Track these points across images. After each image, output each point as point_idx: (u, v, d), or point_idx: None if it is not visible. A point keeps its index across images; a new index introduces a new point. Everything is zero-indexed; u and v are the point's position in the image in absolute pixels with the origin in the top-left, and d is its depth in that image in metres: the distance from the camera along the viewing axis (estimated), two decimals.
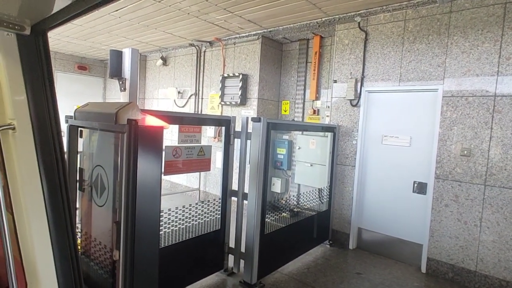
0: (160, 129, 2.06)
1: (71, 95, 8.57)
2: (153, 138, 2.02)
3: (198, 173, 6.71)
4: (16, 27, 1.12)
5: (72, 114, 2.59)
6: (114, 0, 0.99)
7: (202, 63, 6.85)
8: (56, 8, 1.08)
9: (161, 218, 2.59)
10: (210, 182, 6.72)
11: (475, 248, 3.61)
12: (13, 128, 1.16)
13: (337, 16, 4.64)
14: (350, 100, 4.62)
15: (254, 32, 5.63)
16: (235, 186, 3.62)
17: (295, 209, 4.23)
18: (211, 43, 6.54)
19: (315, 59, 5.51)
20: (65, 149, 2.65)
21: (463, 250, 3.69)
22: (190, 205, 3.16)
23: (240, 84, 5.86)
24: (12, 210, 1.23)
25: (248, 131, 3.48)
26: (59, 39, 6.95)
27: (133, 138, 1.92)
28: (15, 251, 1.19)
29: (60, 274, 1.28)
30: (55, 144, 1.26)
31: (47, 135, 1.24)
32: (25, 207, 1.21)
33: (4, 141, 1.19)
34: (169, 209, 2.95)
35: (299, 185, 5.44)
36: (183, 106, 7.28)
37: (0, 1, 1.05)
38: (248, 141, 3.48)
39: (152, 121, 2.01)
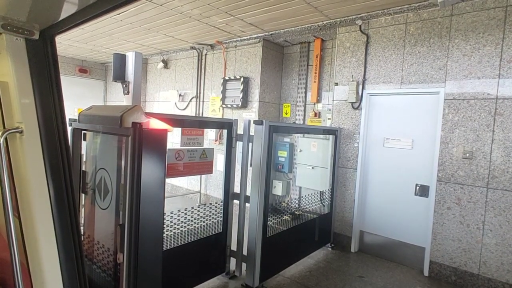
0: (164, 132, 2.06)
1: (72, 98, 8.59)
2: (157, 141, 2.02)
3: (199, 175, 6.70)
4: (25, 32, 1.13)
5: (75, 117, 2.60)
6: (120, 7, 1.00)
7: (203, 66, 6.87)
8: (64, 14, 1.09)
9: (163, 221, 2.58)
10: (211, 185, 6.71)
11: (478, 251, 3.61)
12: (21, 132, 1.17)
13: (338, 19, 4.65)
14: (352, 103, 4.63)
15: (255, 35, 5.65)
16: (237, 189, 3.62)
17: (296, 212, 4.22)
18: (212, 46, 6.56)
19: (316, 62, 5.52)
20: None
21: (465, 253, 3.68)
22: (192, 207, 3.15)
23: (241, 87, 5.87)
24: (18, 213, 1.23)
25: (250, 133, 3.49)
26: (60, 42, 6.96)
27: (138, 141, 1.92)
28: (21, 254, 1.19)
29: (65, 277, 1.27)
30: (61, 148, 1.26)
31: (54, 139, 1.24)
32: (31, 211, 1.21)
33: (11, 145, 1.20)
34: (171, 212, 2.95)
35: (300, 187, 5.43)
36: (184, 109, 7.29)
37: (10, 7, 1.06)
38: (250, 144, 3.48)
39: (156, 124, 2.01)
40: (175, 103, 7.44)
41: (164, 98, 7.85)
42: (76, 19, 1.09)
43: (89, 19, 1.07)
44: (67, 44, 7.15)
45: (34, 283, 1.24)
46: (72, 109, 7.99)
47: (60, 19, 1.11)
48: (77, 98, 8.69)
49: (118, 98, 9.13)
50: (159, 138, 2.04)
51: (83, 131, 2.59)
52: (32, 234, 1.22)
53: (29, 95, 1.19)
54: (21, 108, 1.18)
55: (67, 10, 1.07)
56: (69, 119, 2.64)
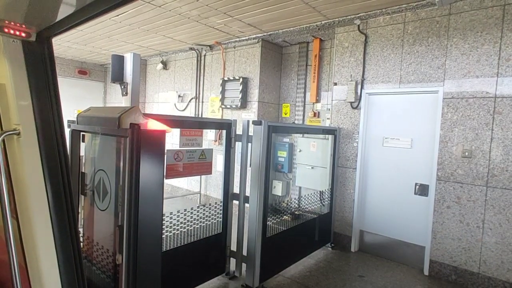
0: (163, 133, 2.06)
1: (72, 100, 8.59)
2: (156, 142, 2.03)
3: (199, 176, 6.70)
4: (22, 34, 1.14)
5: (74, 119, 2.60)
6: (116, 7, 1.00)
7: (202, 67, 6.87)
8: (60, 16, 1.10)
9: (162, 222, 2.58)
10: (211, 186, 6.71)
11: (477, 250, 3.61)
12: (18, 134, 1.17)
13: (336, 19, 4.66)
14: (351, 103, 4.63)
15: (254, 36, 5.65)
16: (236, 189, 3.62)
17: (296, 212, 4.22)
18: (211, 47, 6.56)
19: (315, 62, 5.52)
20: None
21: (465, 252, 3.68)
22: (191, 208, 3.15)
23: (241, 88, 5.88)
24: (16, 215, 1.23)
25: (249, 134, 3.49)
26: (60, 44, 6.97)
27: (136, 142, 1.92)
28: (19, 256, 1.19)
29: (64, 279, 1.28)
30: (59, 149, 1.27)
31: (52, 140, 1.25)
32: (29, 212, 1.21)
33: (9, 146, 1.20)
34: (171, 213, 2.95)
35: (300, 187, 5.43)
36: (183, 110, 7.30)
37: (6, 9, 1.06)
38: (249, 144, 3.48)
39: (154, 125, 2.01)
40: (175, 104, 7.44)
41: (164, 99, 7.86)
42: (72, 21, 1.09)
43: (85, 20, 1.07)
44: (67, 46, 7.15)
45: (33, 285, 1.24)
46: (71, 110, 7.99)
47: (56, 20, 1.12)
48: (77, 100, 8.69)
49: (117, 99, 9.13)
50: (157, 139, 2.04)
51: (81, 133, 2.59)
52: (30, 236, 1.22)
53: (26, 97, 1.20)
54: (19, 110, 1.18)
55: (63, 11, 1.08)
56: (68, 120, 2.65)
